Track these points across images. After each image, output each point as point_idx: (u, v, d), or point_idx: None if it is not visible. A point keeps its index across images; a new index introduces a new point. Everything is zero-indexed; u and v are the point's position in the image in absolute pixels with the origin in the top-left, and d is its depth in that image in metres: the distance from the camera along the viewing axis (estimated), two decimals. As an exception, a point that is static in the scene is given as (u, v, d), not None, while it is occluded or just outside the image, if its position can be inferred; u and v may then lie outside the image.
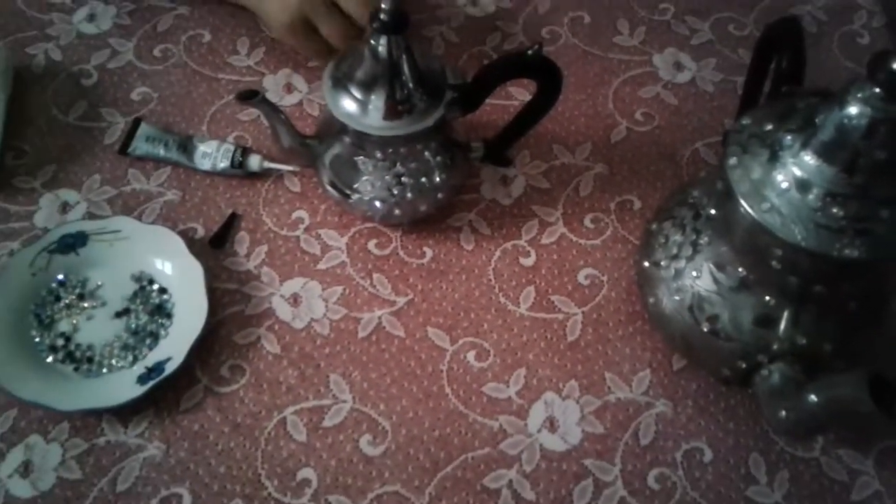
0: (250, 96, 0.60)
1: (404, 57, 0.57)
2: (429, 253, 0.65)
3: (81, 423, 0.57)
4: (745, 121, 0.53)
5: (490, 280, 0.64)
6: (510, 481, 0.56)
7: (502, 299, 0.63)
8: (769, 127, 0.51)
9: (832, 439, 0.58)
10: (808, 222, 0.47)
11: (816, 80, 0.58)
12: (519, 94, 0.73)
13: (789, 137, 0.49)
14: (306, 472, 0.56)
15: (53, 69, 0.75)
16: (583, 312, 0.63)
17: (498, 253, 0.66)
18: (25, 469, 0.55)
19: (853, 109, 0.46)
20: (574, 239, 0.66)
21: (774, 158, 0.49)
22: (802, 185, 0.48)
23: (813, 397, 0.47)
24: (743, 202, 0.49)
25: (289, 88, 0.74)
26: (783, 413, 0.49)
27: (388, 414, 0.58)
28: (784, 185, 0.48)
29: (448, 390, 0.59)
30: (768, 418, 0.51)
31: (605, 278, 0.64)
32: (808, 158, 0.48)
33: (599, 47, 0.78)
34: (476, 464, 0.56)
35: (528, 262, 0.65)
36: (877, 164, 0.46)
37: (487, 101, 0.61)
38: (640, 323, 0.62)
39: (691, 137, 0.72)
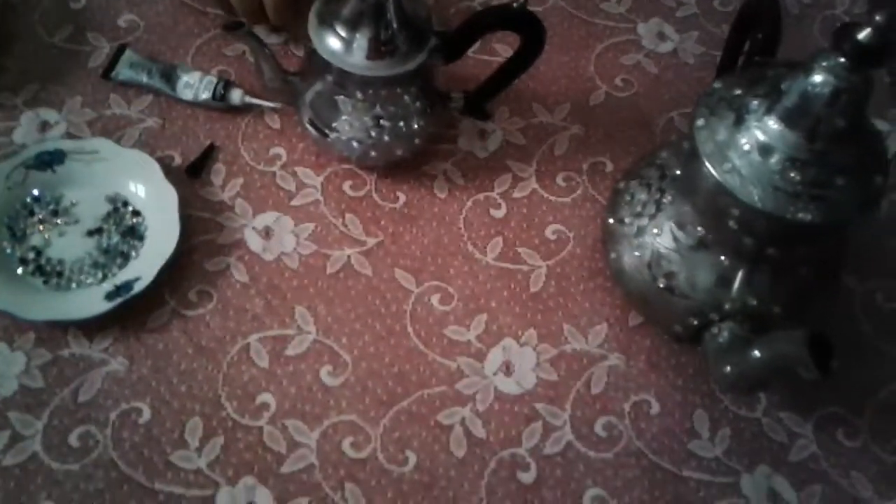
0: (236, 27, 0.61)
1: (391, -1, 0.58)
2: (402, 198, 0.67)
3: (47, 335, 0.58)
4: (717, 85, 0.54)
5: (460, 228, 0.66)
6: (463, 418, 0.57)
7: (470, 247, 0.65)
8: (738, 92, 0.52)
9: (775, 401, 0.60)
10: (767, 185, 0.49)
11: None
12: (503, 50, 0.74)
13: (755, 102, 0.51)
14: (265, 397, 0.57)
15: (42, -10, 0.75)
16: (547, 266, 0.64)
17: (469, 203, 0.67)
18: (-11, 375, 0.56)
19: (818, 77, 0.48)
20: (545, 195, 0.68)
21: (740, 122, 0.51)
22: (764, 149, 0.49)
23: (756, 353, 0.49)
24: (706, 162, 0.50)
25: (276, 28, 0.75)
26: (728, 368, 0.51)
27: (350, 348, 0.59)
28: (746, 147, 0.50)
29: (410, 330, 0.61)
30: (713, 374, 0.53)
31: (571, 235, 0.66)
32: (772, 123, 0.49)
33: (586, 11, 0.79)
34: (431, 400, 0.58)
35: (499, 213, 0.67)
36: (836, 132, 0.48)
37: (471, 54, 0.63)
38: (601, 280, 0.64)
39: (667, 106, 0.74)
